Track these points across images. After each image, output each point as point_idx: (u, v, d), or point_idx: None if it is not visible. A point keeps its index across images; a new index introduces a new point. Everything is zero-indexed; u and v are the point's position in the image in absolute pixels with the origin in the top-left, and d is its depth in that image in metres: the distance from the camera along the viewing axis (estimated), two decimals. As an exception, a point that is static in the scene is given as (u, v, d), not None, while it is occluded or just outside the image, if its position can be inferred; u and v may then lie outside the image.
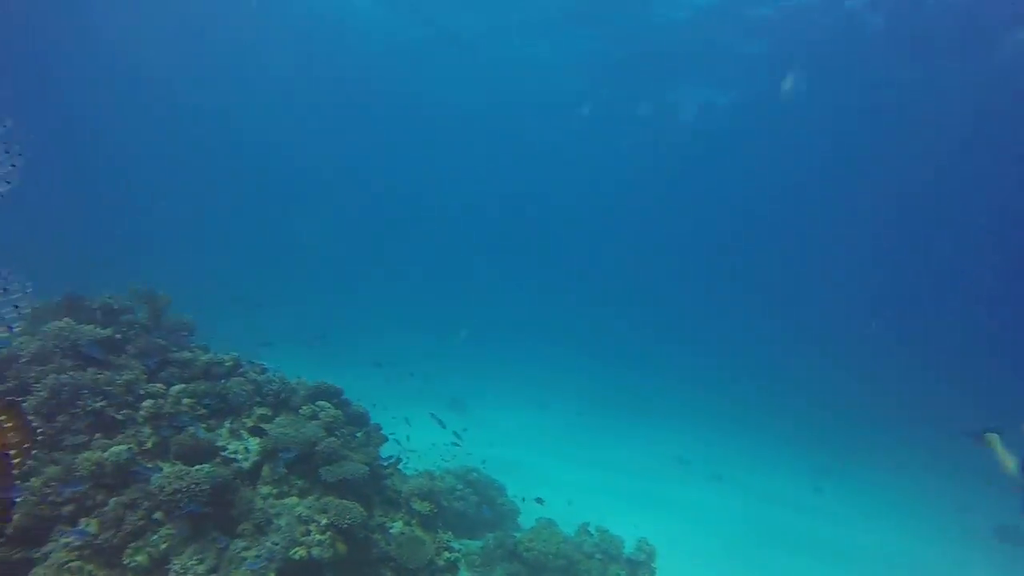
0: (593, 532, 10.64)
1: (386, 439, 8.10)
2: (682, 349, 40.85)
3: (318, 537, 5.90)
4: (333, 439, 7.02)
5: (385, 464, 7.79)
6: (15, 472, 1.13)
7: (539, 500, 11.07)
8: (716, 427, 25.83)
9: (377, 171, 46.62)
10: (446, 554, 6.94)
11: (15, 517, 5.69)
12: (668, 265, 46.45)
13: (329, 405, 7.74)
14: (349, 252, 48.44)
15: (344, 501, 6.28)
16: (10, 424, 1.15)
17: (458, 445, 12.61)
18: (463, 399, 22.35)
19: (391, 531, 7.01)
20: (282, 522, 6.25)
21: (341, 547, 6.02)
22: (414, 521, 7.22)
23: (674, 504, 15.44)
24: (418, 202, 48.77)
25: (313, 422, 7.30)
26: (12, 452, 1.11)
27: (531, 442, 18.96)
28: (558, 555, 9.17)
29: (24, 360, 7.00)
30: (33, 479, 5.90)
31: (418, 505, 7.21)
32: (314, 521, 6.03)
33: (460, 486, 10.96)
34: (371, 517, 6.84)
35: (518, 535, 9.93)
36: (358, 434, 7.87)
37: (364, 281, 45.04)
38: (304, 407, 7.58)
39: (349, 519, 6.09)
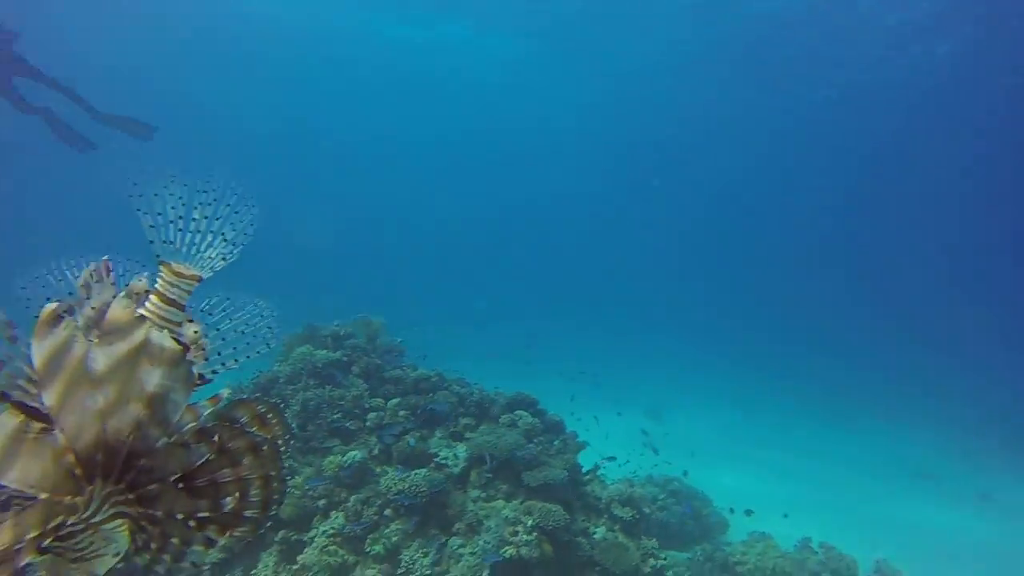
0: (817, 549, 9.61)
1: (583, 446, 8.21)
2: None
3: (525, 537, 6.18)
4: (532, 446, 7.33)
5: (584, 471, 7.90)
6: (283, 458, 1.39)
7: (748, 512, 10.31)
8: (979, 433, 21.66)
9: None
10: (652, 561, 6.79)
11: (287, 509, 6.87)
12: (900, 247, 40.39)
13: (526, 414, 8.11)
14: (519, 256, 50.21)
15: (547, 504, 6.50)
16: (275, 420, 1.40)
17: (652, 451, 12.27)
18: (660, 407, 21.76)
19: (594, 536, 7.07)
20: (491, 523, 6.66)
21: (547, 548, 6.22)
22: (616, 527, 7.20)
23: (915, 528, 13.23)
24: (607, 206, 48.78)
25: (512, 430, 7.69)
26: (280, 442, 1.37)
27: (732, 450, 17.75)
28: (776, 571, 8.44)
29: (281, 381, 8.46)
30: (296, 477, 7.08)
31: (619, 511, 7.18)
32: (521, 522, 6.33)
33: (662, 495, 10.67)
34: (573, 521, 6.97)
35: (728, 548, 9.35)
36: (555, 441, 8.11)
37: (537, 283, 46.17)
38: (503, 416, 8.03)
39: (553, 521, 6.29)
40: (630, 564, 6.65)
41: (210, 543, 1.20)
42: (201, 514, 1.14)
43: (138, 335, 1.04)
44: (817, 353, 32.22)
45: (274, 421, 1.33)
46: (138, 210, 1.22)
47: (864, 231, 40.44)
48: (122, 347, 1.04)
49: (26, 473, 0.97)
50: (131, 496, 1.08)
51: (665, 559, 7.02)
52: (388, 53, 32.01)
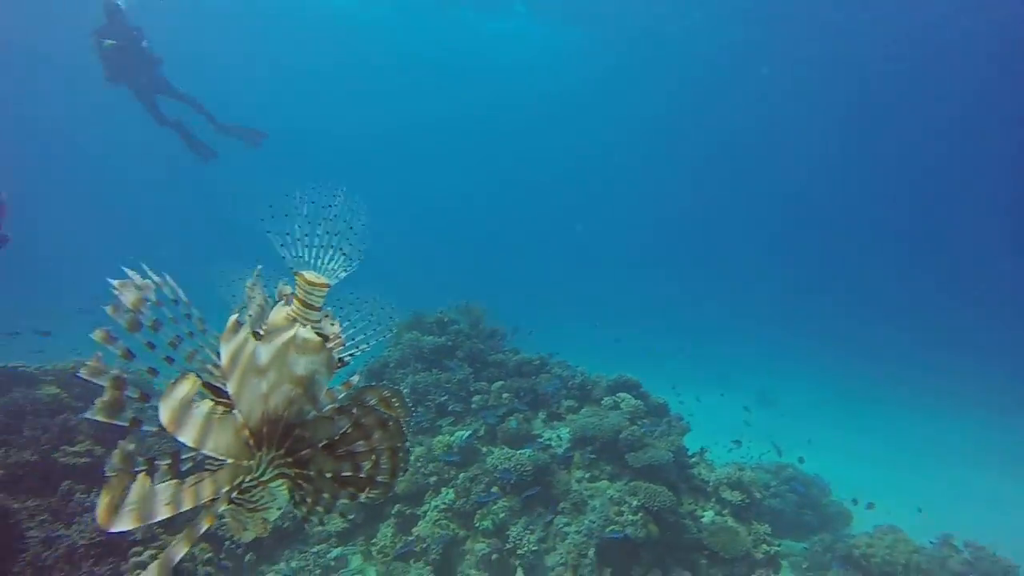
0: (961, 547, 8.78)
1: (688, 429, 8.06)
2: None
3: (631, 517, 6.19)
4: (635, 427, 7.29)
5: (691, 453, 7.76)
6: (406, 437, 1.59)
7: (870, 505, 9.61)
8: None
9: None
10: (765, 547, 6.56)
11: (401, 485, 7.34)
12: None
13: (629, 396, 8.08)
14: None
15: (652, 485, 6.47)
16: (398, 403, 1.61)
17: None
18: (772, 393, 20.69)
19: (702, 520, 6.94)
20: (596, 503, 6.73)
21: (653, 528, 6.20)
22: (725, 511, 7.01)
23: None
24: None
25: (615, 412, 7.69)
26: (402, 420, 1.56)
27: (848, 441, 16.52)
28: (910, 567, 7.81)
29: (392, 365, 9.00)
30: (410, 456, 7.54)
31: (728, 495, 6.99)
32: (626, 502, 6.34)
33: (774, 482, 10.20)
34: (680, 504, 6.88)
35: (851, 540, 8.78)
36: (660, 424, 8.01)
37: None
38: (605, 399, 8.04)
39: (659, 502, 6.25)
40: (741, 549, 6.47)
41: (354, 498, 1.45)
42: (344, 474, 1.37)
43: (289, 333, 1.33)
44: (933, 346, 29.11)
45: (396, 404, 1.55)
46: (268, 232, 1.47)
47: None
48: (278, 343, 1.32)
49: (217, 443, 1.23)
50: (290, 459, 1.34)
51: (779, 546, 6.75)
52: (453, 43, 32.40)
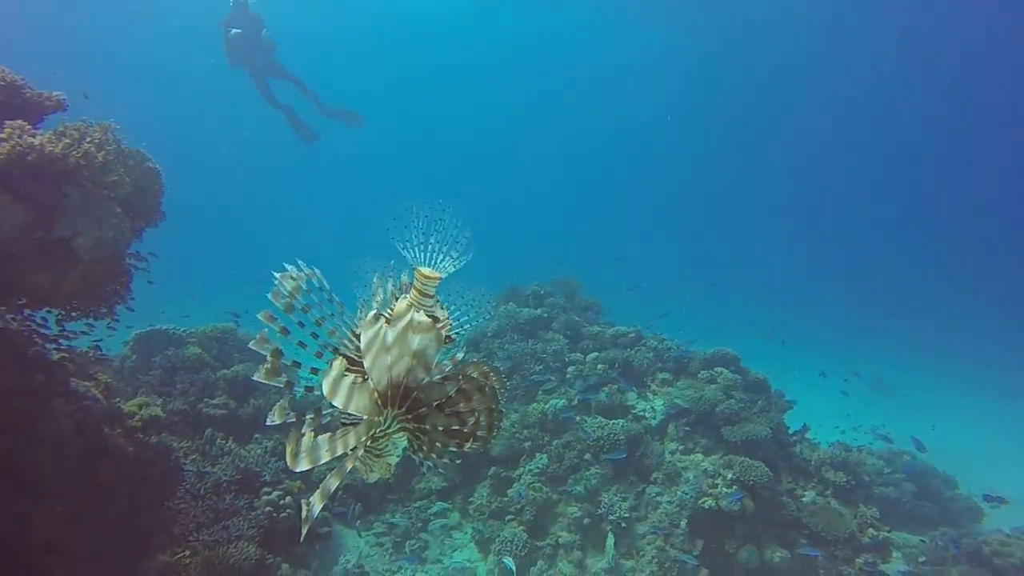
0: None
1: (790, 406, 7.74)
2: None
3: (725, 490, 6.12)
4: (733, 401, 7.13)
5: (792, 432, 7.47)
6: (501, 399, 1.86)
7: (998, 500, 8.74)
8: None
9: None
10: (872, 531, 6.23)
11: (497, 448, 7.70)
12: None
13: (727, 371, 7.88)
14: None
15: (749, 459, 6.33)
16: (494, 375, 1.85)
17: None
18: (888, 379, 19.13)
19: (803, 499, 6.70)
20: (690, 475, 6.70)
21: (748, 503, 6.08)
22: (828, 492, 6.73)
23: None
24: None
25: (712, 386, 7.56)
26: (497, 389, 1.83)
27: (986, 431, 14.94)
28: (1050, 570, 7.08)
29: (489, 335, 9.35)
30: (504, 421, 7.87)
31: (832, 475, 6.69)
32: (720, 475, 6.27)
33: (887, 469, 9.53)
34: (778, 481, 6.68)
35: (981, 536, 8.07)
36: (759, 400, 7.76)
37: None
38: (702, 372, 7.91)
39: (755, 476, 6.12)
40: (844, 531, 6.19)
41: (460, 447, 1.77)
42: (452, 428, 1.71)
43: (407, 317, 1.66)
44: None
45: (493, 376, 1.85)
46: (393, 239, 1.84)
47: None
48: (400, 326, 1.63)
49: (357, 405, 1.60)
50: (409, 416, 1.67)
51: (889, 531, 6.38)
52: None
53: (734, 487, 6.10)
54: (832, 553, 6.25)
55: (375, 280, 1.89)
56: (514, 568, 6.37)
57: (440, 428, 1.69)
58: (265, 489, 6.54)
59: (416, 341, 1.59)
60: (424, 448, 1.74)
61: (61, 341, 4.80)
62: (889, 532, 6.37)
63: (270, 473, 6.74)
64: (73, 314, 4.64)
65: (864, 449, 9.29)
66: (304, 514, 1.50)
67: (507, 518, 7.09)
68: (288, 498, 6.54)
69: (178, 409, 7.62)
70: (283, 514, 6.34)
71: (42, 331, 4.63)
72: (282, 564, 5.93)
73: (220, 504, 5.96)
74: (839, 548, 6.22)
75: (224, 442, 7.14)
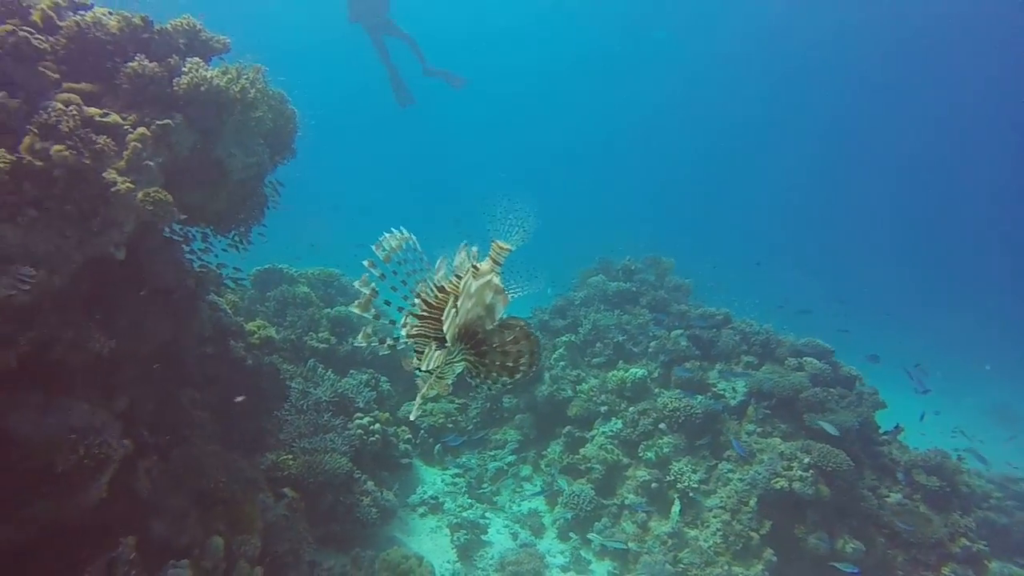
0: None
1: (883, 405, 7.39)
2: None
3: (800, 473, 6.01)
4: (819, 390, 6.93)
5: (883, 431, 7.15)
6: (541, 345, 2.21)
7: None
8: None
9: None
10: (964, 541, 5.90)
11: (574, 409, 7.94)
12: None
13: (816, 361, 7.63)
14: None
15: (829, 447, 6.17)
16: (531, 329, 2.20)
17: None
18: (1010, 406, 17.36)
19: (887, 499, 6.43)
20: (765, 456, 6.62)
21: (823, 489, 5.95)
22: (917, 496, 6.41)
23: None
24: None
25: (799, 373, 7.36)
26: (533, 353, 2.19)
27: None
28: None
29: (576, 303, 9.56)
30: (584, 384, 8.10)
31: (923, 479, 6.36)
32: (797, 459, 6.16)
33: (998, 493, 8.81)
34: (860, 477, 6.45)
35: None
36: (848, 396, 7.46)
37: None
38: (789, 359, 7.70)
39: (834, 463, 5.96)
40: (931, 537, 5.91)
41: (511, 376, 2.25)
42: (505, 364, 2.22)
43: (488, 276, 2.07)
44: None
45: (528, 327, 2.27)
46: (484, 213, 2.29)
47: None
48: (482, 281, 2.03)
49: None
50: (473, 351, 2.19)
51: (985, 545, 6.00)
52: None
53: (811, 472, 5.98)
54: (915, 557, 5.99)
55: (461, 248, 2.33)
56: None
57: (497, 363, 2.20)
58: (358, 415, 7.18)
59: (490, 297, 2.00)
60: (481, 375, 2.25)
61: (204, 257, 5.54)
62: (986, 546, 5.98)
63: (363, 401, 7.37)
64: (217, 233, 5.35)
65: (977, 474, 8.63)
66: (414, 412, 2.07)
67: (576, 476, 7.34)
68: (377, 425, 7.15)
69: (286, 339, 8.45)
70: (372, 438, 6.95)
71: (192, 245, 5.37)
72: (367, 481, 6.53)
73: (319, 420, 6.64)
74: (923, 552, 5.95)
75: (324, 371, 7.87)
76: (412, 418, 2.09)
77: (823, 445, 6.17)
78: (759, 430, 7.02)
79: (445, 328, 1.96)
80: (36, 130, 3.44)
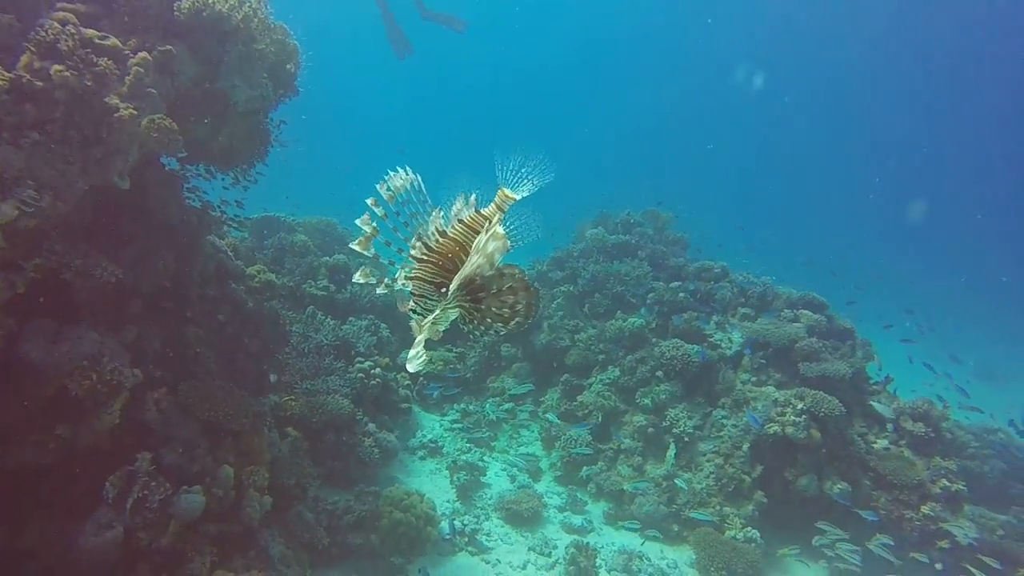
0: None
1: (874, 357, 7.55)
2: None
3: (793, 418, 6.17)
4: (814, 340, 7.06)
5: (873, 381, 7.33)
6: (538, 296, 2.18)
7: None
8: None
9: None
10: (945, 483, 6.13)
11: (572, 358, 8.05)
12: None
13: (811, 314, 7.75)
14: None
15: (822, 393, 6.32)
16: (527, 279, 2.15)
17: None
18: (996, 367, 17.78)
19: (874, 445, 6.64)
20: (759, 404, 6.78)
21: (815, 433, 6.13)
22: (903, 442, 6.62)
23: None
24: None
25: (794, 324, 7.48)
26: (530, 303, 2.19)
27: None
28: None
29: (575, 255, 9.58)
30: (581, 334, 8.19)
31: (910, 425, 6.56)
32: (791, 404, 6.31)
33: (975, 443, 9.12)
34: (850, 424, 6.64)
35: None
36: (842, 347, 7.61)
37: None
38: (785, 311, 7.81)
39: (826, 409, 6.13)
40: (913, 479, 6.13)
41: (505, 323, 2.20)
42: (503, 311, 2.18)
43: (495, 226, 1.99)
44: None
45: (525, 276, 2.21)
46: (495, 161, 2.23)
47: None
48: (488, 231, 1.96)
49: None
50: (469, 298, 2.15)
51: (964, 486, 6.24)
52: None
53: (803, 417, 6.14)
54: (897, 497, 6.22)
55: (461, 197, 2.30)
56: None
57: (493, 310, 2.16)
58: (358, 359, 7.24)
59: (492, 246, 1.93)
60: (474, 322, 2.22)
61: (205, 196, 5.47)
62: (964, 486, 6.22)
63: (364, 346, 7.43)
64: (219, 171, 5.27)
65: (957, 425, 8.88)
66: (415, 360, 1.95)
67: (572, 422, 7.50)
68: (377, 369, 7.22)
69: (285, 286, 8.42)
70: (372, 382, 7.03)
71: (192, 183, 5.29)
72: (369, 422, 6.64)
73: (321, 363, 6.69)
74: (905, 493, 6.18)
75: (324, 318, 7.89)
76: (412, 370, 1.94)
77: (816, 392, 6.32)
78: (754, 379, 7.17)
79: (453, 283, 1.98)
80: (34, 48, 3.33)
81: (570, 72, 47.41)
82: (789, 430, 6.13)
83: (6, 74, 3.19)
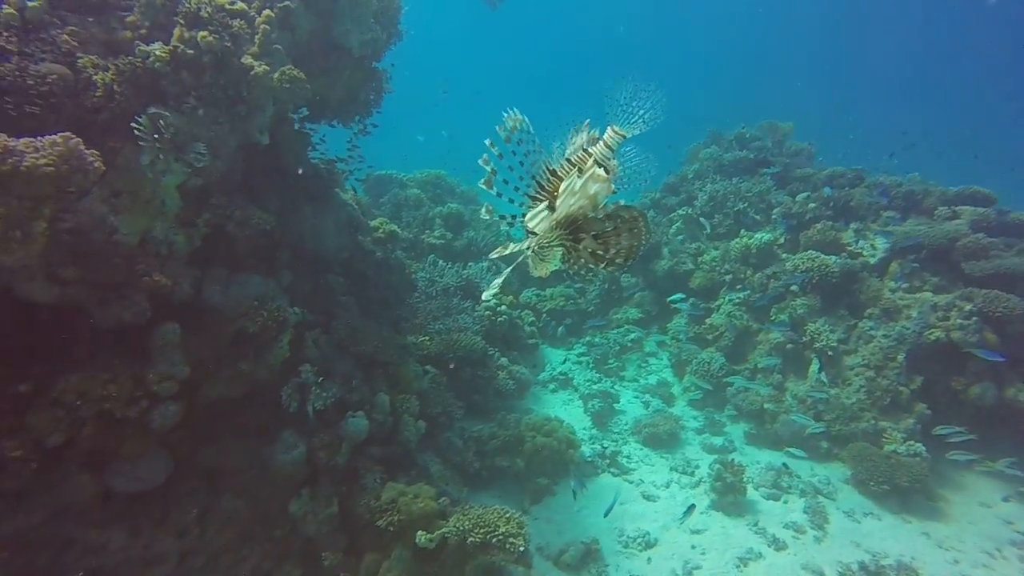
0: None
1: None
2: None
3: (959, 322, 5.59)
4: (981, 236, 6.28)
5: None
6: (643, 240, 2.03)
7: None
8: None
9: None
10: None
11: (697, 280, 7.79)
12: None
13: (973, 208, 6.88)
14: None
15: (997, 291, 5.64)
16: (642, 220, 2.14)
17: None
18: None
19: (1062, 347, 5.86)
20: (913, 311, 6.19)
21: (990, 336, 5.51)
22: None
23: None
24: None
25: (954, 222, 6.68)
26: (643, 236, 2.12)
27: None
28: None
29: (690, 177, 9.13)
30: (705, 256, 7.87)
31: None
32: (956, 307, 5.71)
33: None
34: (1031, 325, 5.89)
35: None
36: (1019, 244, 6.71)
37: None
38: (940, 208, 6.99)
39: (1003, 308, 5.47)
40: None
41: (601, 264, 2.17)
42: (598, 252, 2.17)
43: (592, 170, 2.01)
44: None
45: (642, 219, 2.15)
46: (605, 96, 2.17)
47: None
48: (586, 176, 2.01)
49: (541, 225, 2.07)
50: (570, 237, 2.16)
51: None
52: None
53: (973, 320, 5.53)
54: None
55: (574, 131, 2.27)
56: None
57: (589, 250, 2.17)
58: (484, 296, 7.47)
59: (593, 188, 2.00)
60: (571, 260, 2.21)
61: (327, 151, 5.77)
62: None
63: (488, 285, 7.63)
64: (341, 124, 5.52)
65: None
66: (490, 290, 2.02)
67: (703, 345, 7.30)
68: (503, 307, 7.41)
69: (405, 238, 8.80)
70: (500, 319, 7.24)
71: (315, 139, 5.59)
72: (501, 356, 6.87)
73: (449, 303, 6.98)
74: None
75: (445, 265, 8.18)
76: (484, 298, 2.08)
77: (990, 291, 5.65)
78: (905, 286, 6.53)
79: (546, 223, 2.04)
80: (182, 20, 3.61)
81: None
82: (956, 335, 5.56)
83: (166, 47, 3.49)
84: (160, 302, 3.57)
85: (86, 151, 3.00)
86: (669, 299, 7.40)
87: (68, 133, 2.91)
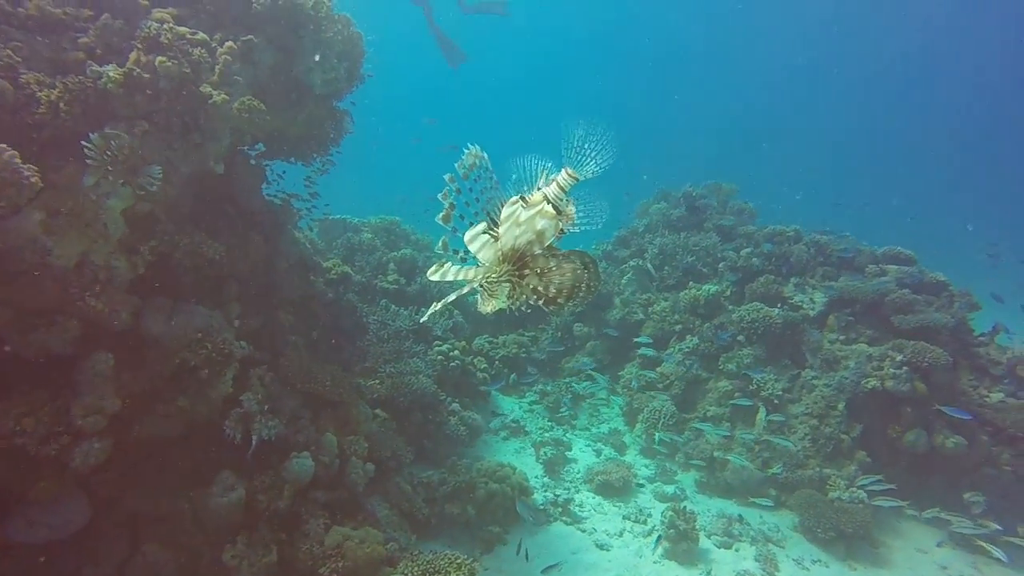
0: None
1: (978, 307, 7.07)
2: None
3: (893, 371, 5.86)
4: (907, 292, 6.69)
5: (978, 334, 6.87)
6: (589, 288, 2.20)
7: None
8: None
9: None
10: (1071, 431, 5.67)
11: (648, 329, 7.92)
12: None
13: (895, 268, 7.36)
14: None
15: (923, 343, 5.98)
16: (593, 268, 2.18)
17: None
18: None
19: (987, 399, 6.22)
20: (850, 362, 6.47)
21: (920, 385, 5.79)
22: (1022, 393, 6.17)
23: None
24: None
25: (881, 279, 7.11)
26: (589, 282, 2.16)
27: None
28: None
29: (640, 231, 9.45)
30: (655, 307, 8.06)
31: (1025, 373, 6.10)
32: (888, 357, 6.00)
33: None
34: (956, 377, 6.25)
35: None
36: (937, 301, 7.18)
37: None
38: (870, 267, 7.45)
39: (929, 358, 5.78)
40: (1036, 428, 5.70)
41: (545, 304, 2.20)
42: (539, 289, 2.18)
43: (540, 205, 2.08)
44: None
45: (592, 268, 2.19)
46: (562, 141, 2.19)
47: None
48: (532, 211, 2.08)
49: (485, 256, 2.13)
50: (516, 273, 2.18)
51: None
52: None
53: (904, 369, 5.82)
54: (1022, 451, 5.81)
55: (529, 167, 2.32)
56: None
57: (530, 286, 2.19)
58: (437, 342, 7.37)
59: (540, 224, 2.05)
60: (513, 296, 2.25)
61: (284, 187, 5.70)
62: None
63: (441, 330, 7.55)
64: (299, 162, 5.49)
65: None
66: (429, 311, 2.07)
67: (654, 393, 7.37)
68: (456, 352, 7.32)
69: (358, 282, 8.68)
70: (452, 364, 7.13)
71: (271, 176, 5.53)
72: (453, 402, 6.73)
73: (401, 346, 6.84)
74: (1027, 446, 5.75)
75: (398, 309, 8.07)
76: (423, 321, 2.14)
77: (917, 342, 5.98)
78: (842, 338, 6.85)
79: (489, 253, 2.09)
80: (140, 45, 3.57)
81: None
82: (889, 383, 5.82)
83: (121, 69, 3.43)
84: (95, 331, 3.36)
85: (22, 165, 2.87)
86: (636, 339, 7.53)
87: (2, 145, 2.79)
